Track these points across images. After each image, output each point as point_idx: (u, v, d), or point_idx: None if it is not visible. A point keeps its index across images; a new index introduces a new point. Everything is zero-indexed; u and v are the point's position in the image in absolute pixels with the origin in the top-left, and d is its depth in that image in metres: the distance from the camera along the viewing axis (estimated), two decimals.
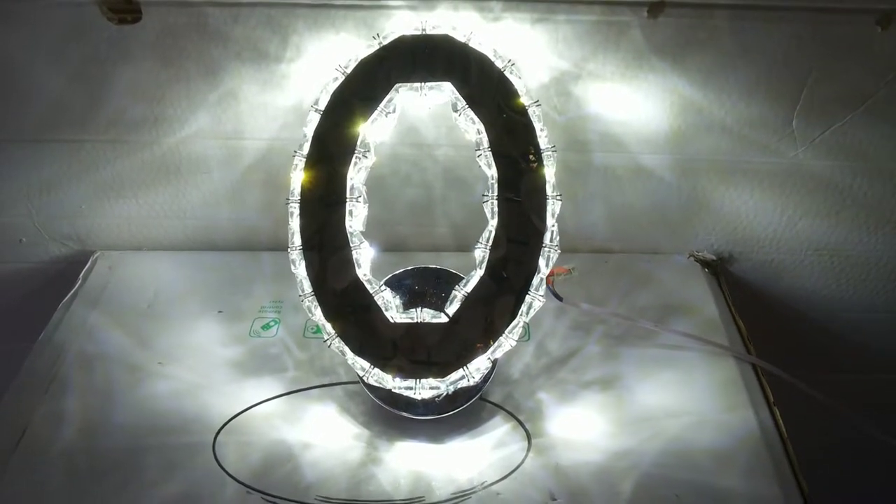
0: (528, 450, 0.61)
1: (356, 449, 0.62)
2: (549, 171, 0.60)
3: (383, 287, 0.61)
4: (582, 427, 0.63)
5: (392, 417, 0.63)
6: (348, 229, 0.60)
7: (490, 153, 0.60)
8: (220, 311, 0.74)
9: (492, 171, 0.60)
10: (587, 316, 0.72)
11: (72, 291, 0.77)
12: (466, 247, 0.76)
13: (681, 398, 0.65)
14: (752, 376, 0.68)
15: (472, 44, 0.61)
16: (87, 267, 0.80)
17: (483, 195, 0.60)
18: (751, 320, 0.74)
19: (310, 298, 0.60)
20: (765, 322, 0.80)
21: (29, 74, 0.70)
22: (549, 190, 0.60)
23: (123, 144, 0.74)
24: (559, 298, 0.69)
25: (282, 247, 0.77)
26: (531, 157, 0.59)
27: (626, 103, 0.69)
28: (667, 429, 0.63)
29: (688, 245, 0.80)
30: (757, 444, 0.62)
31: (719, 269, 0.80)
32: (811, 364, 0.81)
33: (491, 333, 0.58)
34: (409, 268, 0.67)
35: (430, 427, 0.63)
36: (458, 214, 0.78)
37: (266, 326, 0.73)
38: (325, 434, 0.63)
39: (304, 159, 0.61)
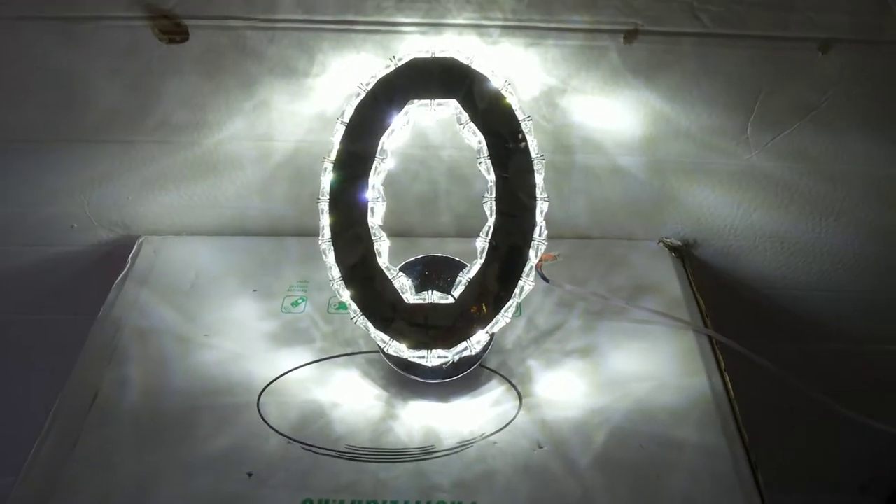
0: (520, 408, 0.71)
1: (377, 407, 0.71)
2: (539, 178, 0.71)
3: (399, 273, 0.72)
4: (564, 389, 0.72)
5: (406, 381, 0.72)
6: (370, 224, 0.71)
7: (489, 161, 0.70)
8: (254, 290, 0.82)
9: (491, 176, 0.71)
10: (570, 295, 0.80)
11: (123, 273, 0.86)
12: (466, 233, 0.85)
13: (646, 365, 0.75)
14: (708, 347, 0.77)
15: (474, 65, 0.71)
16: (133, 250, 0.89)
17: (483, 196, 0.71)
18: (711, 298, 0.84)
19: (338, 283, 0.71)
20: (724, 299, 0.91)
21: (89, 84, 0.78)
22: (538, 193, 0.71)
23: (168, 144, 0.81)
24: (546, 280, 0.80)
25: (306, 233, 0.88)
26: (519, 137, 0.68)
27: (604, 114, 0.77)
28: (634, 391, 0.72)
29: (658, 232, 0.87)
30: (708, 404, 0.71)
31: (685, 254, 0.87)
32: (763, 335, 0.93)
33: (489, 312, 0.69)
34: (420, 256, 0.78)
35: (438, 389, 0.72)
36: (460, 206, 0.85)
37: (295, 304, 0.81)
38: (350, 395, 0.72)
39: (332, 164, 0.71)
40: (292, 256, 0.89)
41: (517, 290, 0.70)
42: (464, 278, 0.70)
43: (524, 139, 0.70)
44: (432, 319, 0.70)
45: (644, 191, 0.83)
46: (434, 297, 0.71)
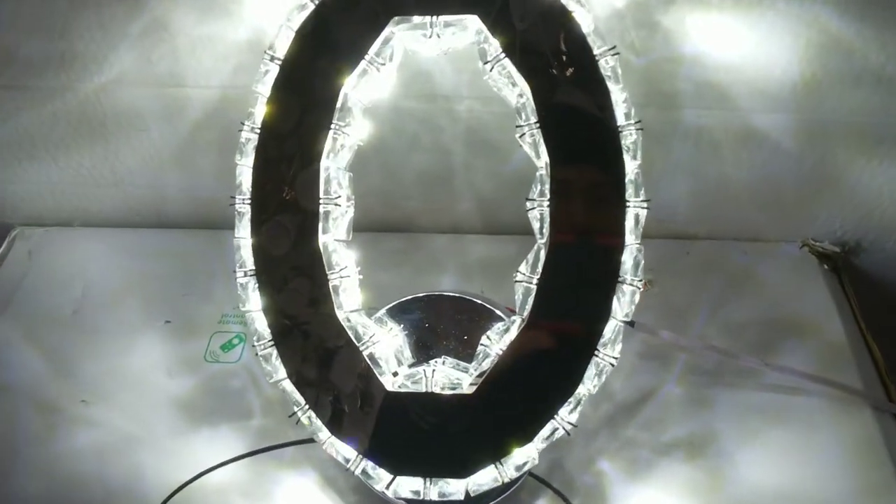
0: None
1: None
2: (632, 164, 0.41)
3: (376, 335, 0.41)
4: None
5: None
6: (322, 245, 0.42)
7: (539, 132, 0.41)
8: (167, 322, 0.59)
9: (542, 158, 0.41)
10: (666, 343, 0.54)
11: None
12: (497, 228, 0.65)
13: (799, 472, 0.49)
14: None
15: None
16: (1, 250, 0.65)
17: (528, 199, 0.42)
18: (883, 328, 0.58)
19: (267, 346, 0.43)
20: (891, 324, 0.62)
21: None
22: (629, 190, 0.41)
23: (24, 91, 0.58)
24: (630, 324, 0.50)
25: None
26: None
27: (739, 41, 0.53)
28: None
29: (802, 231, 0.63)
30: None
31: (841, 265, 0.62)
32: None
33: (539, 412, 0.41)
34: (419, 294, 0.48)
35: None
36: (487, 186, 0.62)
37: (227, 346, 0.57)
38: None
39: (258, 135, 0.43)
40: (228, 262, 0.59)
41: (591, 372, 0.40)
42: (493, 346, 0.41)
43: (605, 92, 0.40)
44: (433, 423, 0.41)
45: (789, 168, 0.59)
46: (440, 377, 0.42)
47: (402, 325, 0.45)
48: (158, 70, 0.56)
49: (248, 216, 0.43)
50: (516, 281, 0.41)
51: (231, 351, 0.56)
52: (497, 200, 0.63)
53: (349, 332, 0.41)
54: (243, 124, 0.43)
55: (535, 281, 0.40)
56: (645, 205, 0.40)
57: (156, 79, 0.56)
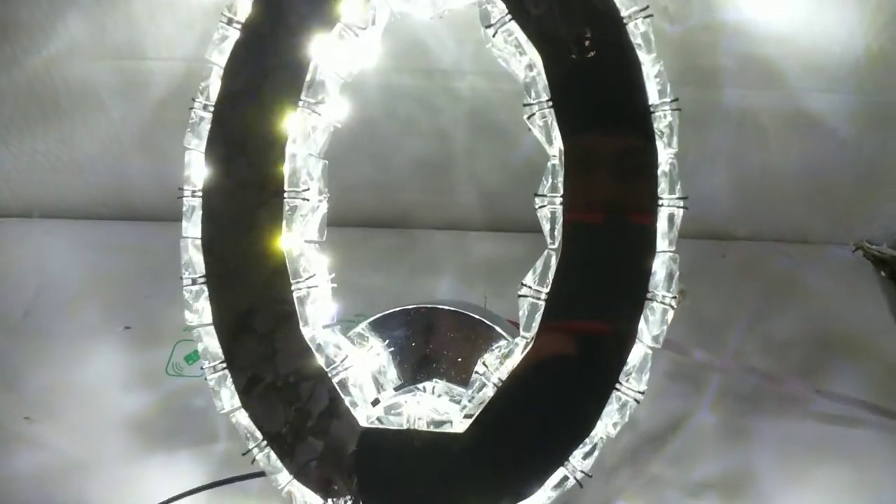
0: None
1: None
2: (666, 152, 0.35)
3: (349, 358, 0.36)
4: None
5: None
6: (287, 248, 0.36)
7: (552, 112, 0.35)
8: (126, 328, 0.56)
9: (555, 144, 0.35)
10: (698, 364, 0.49)
11: None
12: (503, 225, 0.63)
13: None
14: None
15: None
16: None
17: (537, 195, 0.36)
18: None
19: (220, 370, 0.37)
20: None
21: None
22: (661, 184, 0.35)
23: None
24: None
25: None
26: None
27: (791, 7, 0.49)
28: None
29: (856, 232, 0.60)
30: None
31: None
32: None
33: (546, 457, 0.35)
34: (408, 306, 0.42)
35: None
36: (492, 176, 0.60)
37: (192, 357, 0.53)
38: None
39: (212, 114, 0.37)
40: None
41: (610, 408, 0.34)
42: (492, 372, 0.35)
43: (634, 62, 0.35)
44: (418, 466, 0.35)
45: (845, 158, 0.56)
46: (426, 406, 0.36)
47: (386, 342, 0.39)
48: (114, 39, 0.53)
49: (198, 212, 0.37)
50: (521, 295, 0.35)
51: (196, 363, 0.53)
52: (503, 192, 0.60)
53: (316, 355, 0.36)
54: (194, 101, 0.37)
55: (543, 295, 0.34)
56: (681, 203, 0.34)
57: (112, 49, 0.53)
